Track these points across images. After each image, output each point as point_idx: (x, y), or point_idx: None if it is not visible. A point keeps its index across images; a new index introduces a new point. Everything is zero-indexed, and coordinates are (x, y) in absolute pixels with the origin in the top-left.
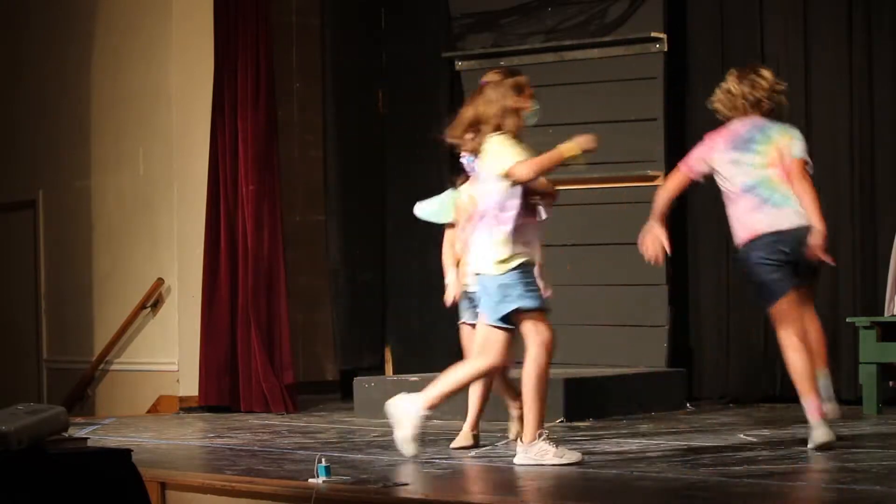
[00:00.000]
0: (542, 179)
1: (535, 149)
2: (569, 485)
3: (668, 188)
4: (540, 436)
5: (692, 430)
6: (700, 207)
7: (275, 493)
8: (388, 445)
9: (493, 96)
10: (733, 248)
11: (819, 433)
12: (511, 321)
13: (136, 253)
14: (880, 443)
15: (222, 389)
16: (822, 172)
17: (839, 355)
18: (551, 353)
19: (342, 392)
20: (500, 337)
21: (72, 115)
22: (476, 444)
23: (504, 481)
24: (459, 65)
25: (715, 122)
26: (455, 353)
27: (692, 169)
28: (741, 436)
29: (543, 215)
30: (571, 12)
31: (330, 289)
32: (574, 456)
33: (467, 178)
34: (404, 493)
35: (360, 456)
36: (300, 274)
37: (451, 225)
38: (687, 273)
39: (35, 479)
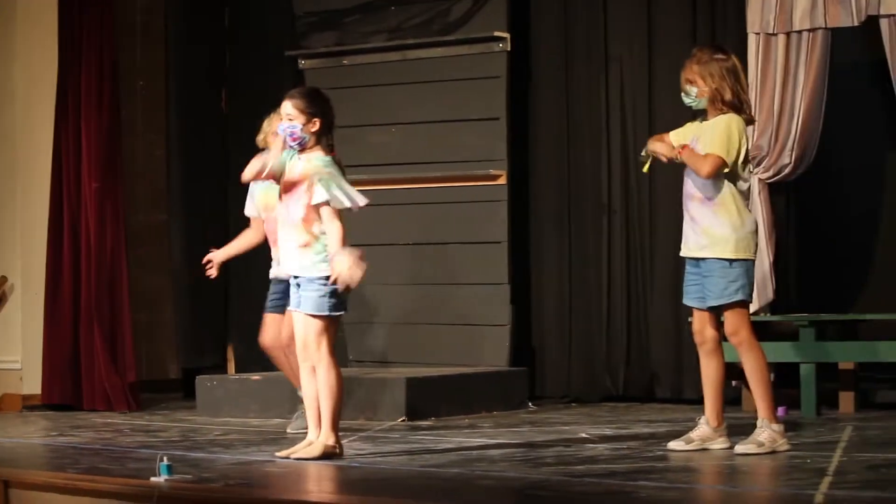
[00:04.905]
0: None
1: (373, 150)
2: (409, 483)
3: None
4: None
5: (534, 429)
6: (544, 212)
7: (117, 491)
8: (230, 444)
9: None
10: (575, 248)
11: None
12: None
13: None
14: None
15: (65, 387)
16: None
17: None
18: None
19: (184, 391)
20: None
21: None
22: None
23: (345, 480)
24: (303, 63)
25: (558, 123)
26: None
27: None
28: (583, 435)
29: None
30: (415, 11)
31: (172, 288)
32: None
33: None
34: (246, 491)
35: (202, 454)
36: (143, 273)
37: None
38: (529, 273)
39: None
